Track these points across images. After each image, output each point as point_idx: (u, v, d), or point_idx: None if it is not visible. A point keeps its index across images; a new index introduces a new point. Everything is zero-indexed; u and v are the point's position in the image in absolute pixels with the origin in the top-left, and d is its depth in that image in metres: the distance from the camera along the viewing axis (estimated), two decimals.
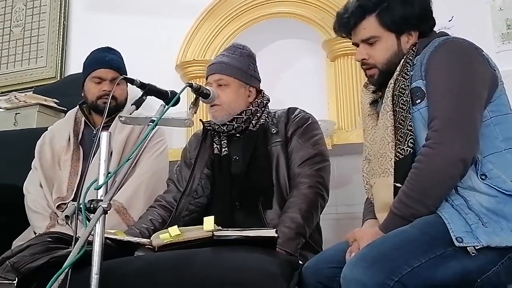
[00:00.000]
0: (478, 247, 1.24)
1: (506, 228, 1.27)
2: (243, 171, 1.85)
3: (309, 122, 1.92)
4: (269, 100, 2.00)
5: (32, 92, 3.04)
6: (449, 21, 2.35)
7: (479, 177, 1.33)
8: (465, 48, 1.44)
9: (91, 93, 2.24)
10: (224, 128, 1.92)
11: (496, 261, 1.28)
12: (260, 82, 2.02)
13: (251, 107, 1.93)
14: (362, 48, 1.57)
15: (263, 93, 2.01)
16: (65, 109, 2.68)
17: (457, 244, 1.25)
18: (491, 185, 1.32)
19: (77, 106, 2.34)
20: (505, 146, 1.39)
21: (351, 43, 1.64)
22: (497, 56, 2.22)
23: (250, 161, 1.85)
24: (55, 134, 2.29)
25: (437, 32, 1.57)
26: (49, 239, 1.65)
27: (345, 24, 1.58)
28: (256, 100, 1.96)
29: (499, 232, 1.26)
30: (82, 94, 2.30)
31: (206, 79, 1.99)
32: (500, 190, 1.31)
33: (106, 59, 2.25)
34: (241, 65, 1.95)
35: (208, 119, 2.04)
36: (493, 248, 1.25)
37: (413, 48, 1.51)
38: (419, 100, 1.42)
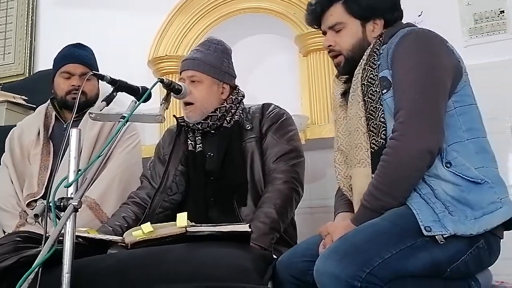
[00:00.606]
0: (446, 236, 1.27)
1: (471, 216, 1.30)
2: (218, 167, 1.84)
3: (284, 118, 1.92)
4: (243, 97, 2.00)
5: (0, 89, 2.98)
6: (419, 16, 2.38)
7: (444, 165, 1.36)
8: (430, 38, 1.46)
9: (60, 89, 2.23)
10: (199, 126, 1.92)
11: (465, 250, 1.31)
12: (235, 78, 2.02)
13: (225, 104, 1.92)
14: (329, 35, 1.60)
15: (238, 89, 2.00)
16: (34, 106, 2.64)
17: (425, 233, 1.27)
18: (456, 173, 1.34)
19: (48, 101, 2.31)
20: (468, 136, 1.41)
21: (322, 33, 1.66)
22: (465, 50, 2.27)
23: (224, 157, 1.84)
24: (24, 129, 2.26)
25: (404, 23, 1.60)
26: (18, 239, 1.62)
27: (313, 11, 1.63)
28: (231, 96, 1.95)
29: (464, 221, 1.29)
30: (52, 90, 2.27)
31: (180, 74, 1.98)
32: (465, 177, 1.34)
33: (75, 54, 2.23)
34: (214, 62, 1.93)
35: (182, 116, 2.03)
36: (460, 237, 1.28)
37: (380, 38, 1.54)
38: (385, 90, 1.44)
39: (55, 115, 2.26)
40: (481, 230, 1.29)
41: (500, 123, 2.22)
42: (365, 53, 1.53)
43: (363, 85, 1.48)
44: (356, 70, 1.53)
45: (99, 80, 2.07)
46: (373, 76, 1.47)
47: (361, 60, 1.53)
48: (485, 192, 1.33)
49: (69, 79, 2.21)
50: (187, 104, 1.90)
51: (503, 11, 2.36)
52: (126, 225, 1.87)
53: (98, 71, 2.22)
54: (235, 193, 1.81)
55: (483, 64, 2.25)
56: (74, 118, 2.08)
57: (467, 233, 1.28)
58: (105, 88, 1.97)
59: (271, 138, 1.87)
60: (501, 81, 2.28)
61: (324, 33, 1.63)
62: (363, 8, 1.55)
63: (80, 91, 2.11)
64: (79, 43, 2.31)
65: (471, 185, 1.33)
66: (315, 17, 1.63)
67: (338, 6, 1.57)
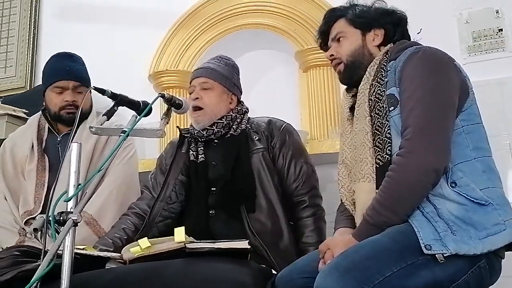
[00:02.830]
0: (447, 255, 1.26)
1: (475, 237, 1.29)
2: (225, 175, 1.86)
3: (294, 133, 1.99)
4: (248, 110, 2.05)
5: (0, 102, 2.98)
6: (418, 33, 2.40)
7: (449, 185, 1.35)
8: (438, 57, 1.47)
9: (53, 104, 2.17)
10: (204, 133, 1.94)
11: (466, 270, 1.30)
12: (241, 93, 2.08)
13: (231, 113, 1.97)
14: (332, 46, 1.67)
15: (243, 103, 2.07)
16: None
17: (425, 251, 1.26)
18: (461, 193, 1.34)
19: (40, 112, 2.27)
20: (475, 155, 1.41)
21: (323, 51, 1.73)
22: (464, 68, 2.27)
23: (234, 165, 1.86)
24: (16, 142, 2.21)
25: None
26: (16, 253, 1.61)
27: (320, 29, 1.72)
28: (236, 107, 2.01)
29: (467, 240, 1.28)
30: (44, 103, 2.23)
31: (190, 82, 2.04)
32: (469, 198, 1.33)
33: (66, 69, 2.17)
34: (225, 73, 2.02)
35: (185, 127, 2.05)
36: (462, 256, 1.27)
37: (386, 55, 1.55)
38: (392, 108, 1.45)
39: (48, 128, 2.22)
40: (484, 250, 1.29)
41: (499, 140, 2.22)
42: (371, 67, 1.55)
43: (370, 101, 1.50)
44: (361, 85, 1.55)
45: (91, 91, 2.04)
46: (381, 92, 1.48)
47: (367, 75, 1.54)
48: (489, 213, 1.33)
49: (62, 94, 2.15)
50: (196, 109, 1.94)
51: (501, 30, 2.39)
52: (125, 237, 1.88)
53: (90, 81, 2.21)
54: (244, 200, 1.82)
55: (481, 82, 2.25)
56: (67, 131, 2.09)
57: (470, 253, 1.27)
58: (98, 99, 1.97)
59: (289, 156, 1.92)
60: (499, 98, 2.30)
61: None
62: (363, 17, 1.62)
63: (76, 105, 2.11)
64: (68, 53, 2.25)
65: (476, 206, 1.33)
66: (322, 34, 1.71)
67: (342, 21, 1.65)
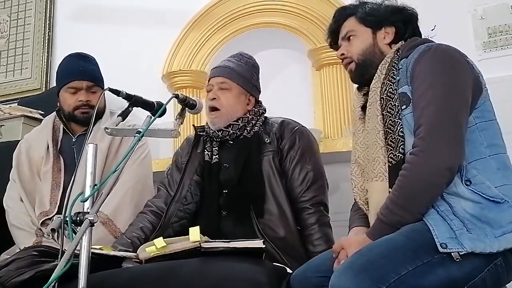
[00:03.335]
0: (463, 253, 1.25)
1: (491, 235, 1.28)
2: (235, 177, 1.85)
3: (305, 137, 1.94)
4: (265, 111, 2.02)
5: (17, 103, 3.02)
6: (432, 30, 2.38)
7: (463, 183, 1.34)
8: (450, 54, 1.46)
9: (67, 104, 2.18)
10: (219, 133, 1.93)
11: (482, 268, 1.29)
12: (260, 93, 2.05)
13: (248, 115, 1.95)
14: (342, 45, 1.65)
15: (261, 103, 2.04)
16: None
17: (441, 250, 1.25)
18: (476, 191, 1.33)
19: (54, 113, 2.28)
20: (490, 152, 1.40)
21: (335, 50, 1.71)
22: (479, 64, 2.24)
23: (243, 167, 1.85)
24: (32, 144, 2.22)
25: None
26: (34, 253, 1.63)
27: (330, 28, 1.70)
28: (254, 108, 1.98)
29: (483, 239, 1.27)
30: (58, 104, 2.24)
31: (208, 81, 2.02)
32: (484, 196, 1.32)
33: (80, 69, 2.17)
34: (245, 73, 1.98)
35: (201, 125, 2.06)
36: (478, 254, 1.26)
37: (397, 53, 1.55)
38: (404, 106, 1.44)
39: (63, 128, 2.23)
40: (501, 248, 1.28)
41: None
42: (382, 66, 1.54)
43: (382, 99, 1.49)
44: (373, 84, 1.54)
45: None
46: (392, 91, 1.47)
47: (378, 73, 1.54)
48: (505, 211, 1.32)
49: (76, 94, 2.16)
50: (213, 109, 1.93)
51: None
52: (144, 237, 1.88)
53: (103, 80, 2.22)
54: (252, 203, 1.80)
55: (497, 78, 2.23)
56: (82, 131, 2.09)
57: (486, 251, 1.26)
58: (111, 99, 1.97)
59: (295, 160, 1.88)
60: None
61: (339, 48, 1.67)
62: (373, 16, 1.60)
63: (90, 105, 2.11)
64: (80, 53, 2.25)
65: (491, 204, 1.32)
66: (332, 33, 1.69)
67: (352, 19, 1.64)
